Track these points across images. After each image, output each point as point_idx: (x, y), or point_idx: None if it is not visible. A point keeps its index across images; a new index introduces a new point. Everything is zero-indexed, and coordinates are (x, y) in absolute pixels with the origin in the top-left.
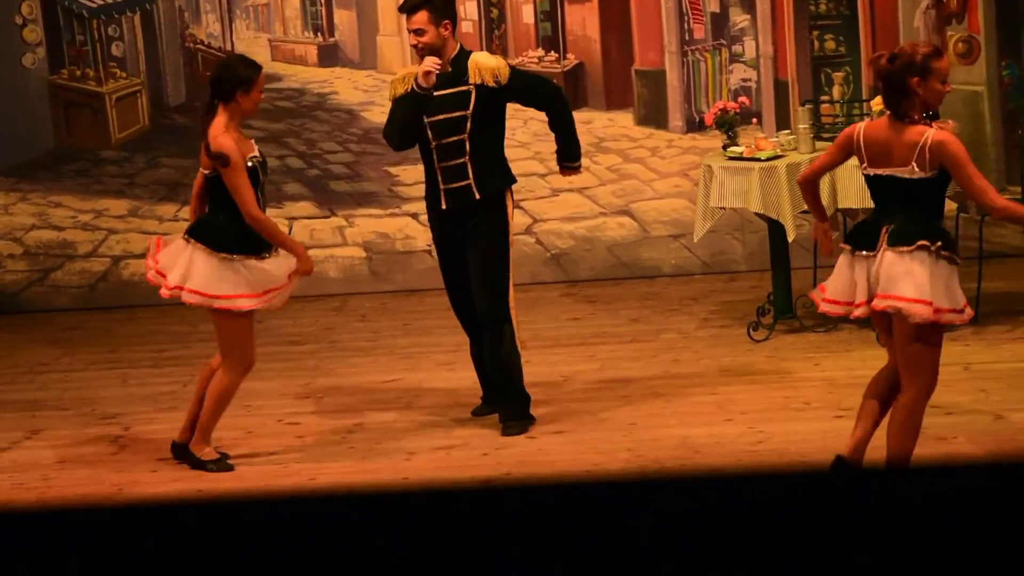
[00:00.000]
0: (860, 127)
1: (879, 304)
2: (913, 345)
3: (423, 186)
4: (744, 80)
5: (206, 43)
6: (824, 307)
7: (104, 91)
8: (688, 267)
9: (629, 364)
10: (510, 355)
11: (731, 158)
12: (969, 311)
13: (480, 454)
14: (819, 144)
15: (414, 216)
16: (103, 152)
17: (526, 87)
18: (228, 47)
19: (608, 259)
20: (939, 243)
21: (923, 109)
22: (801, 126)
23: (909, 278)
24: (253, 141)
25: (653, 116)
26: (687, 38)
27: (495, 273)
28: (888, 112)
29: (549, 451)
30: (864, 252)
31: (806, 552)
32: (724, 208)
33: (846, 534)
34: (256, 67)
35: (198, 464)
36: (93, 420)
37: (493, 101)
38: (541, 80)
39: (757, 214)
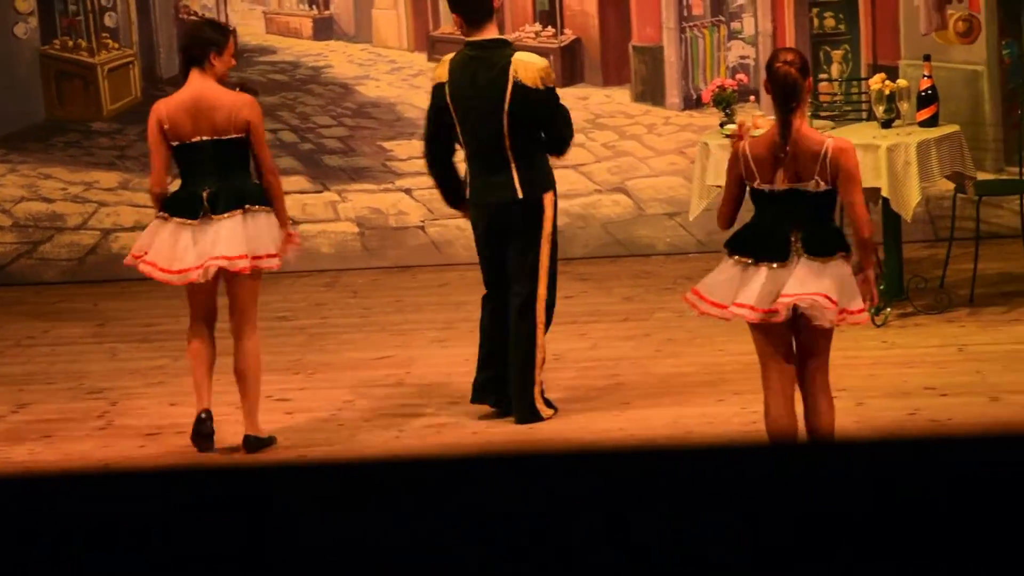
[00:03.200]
0: (742, 147)
1: (786, 302)
2: (826, 336)
3: (416, 161)
4: (742, 57)
5: (200, 14)
6: (706, 308)
7: (96, 62)
8: (683, 246)
9: (622, 343)
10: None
11: (728, 135)
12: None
13: (471, 432)
14: (817, 123)
15: (407, 192)
16: (94, 124)
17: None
18: (223, 19)
19: (602, 237)
20: (845, 251)
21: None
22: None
23: (826, 282)
24: None
25: (650, 93)
26: (685, 14)
27: None
28: (778, 123)
29: (540, 429)
30: (774, 264)
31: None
32: (720, 186)
33: (825, 506)
34: (225, 30)
35: (265, 444)
36: (81, 394)
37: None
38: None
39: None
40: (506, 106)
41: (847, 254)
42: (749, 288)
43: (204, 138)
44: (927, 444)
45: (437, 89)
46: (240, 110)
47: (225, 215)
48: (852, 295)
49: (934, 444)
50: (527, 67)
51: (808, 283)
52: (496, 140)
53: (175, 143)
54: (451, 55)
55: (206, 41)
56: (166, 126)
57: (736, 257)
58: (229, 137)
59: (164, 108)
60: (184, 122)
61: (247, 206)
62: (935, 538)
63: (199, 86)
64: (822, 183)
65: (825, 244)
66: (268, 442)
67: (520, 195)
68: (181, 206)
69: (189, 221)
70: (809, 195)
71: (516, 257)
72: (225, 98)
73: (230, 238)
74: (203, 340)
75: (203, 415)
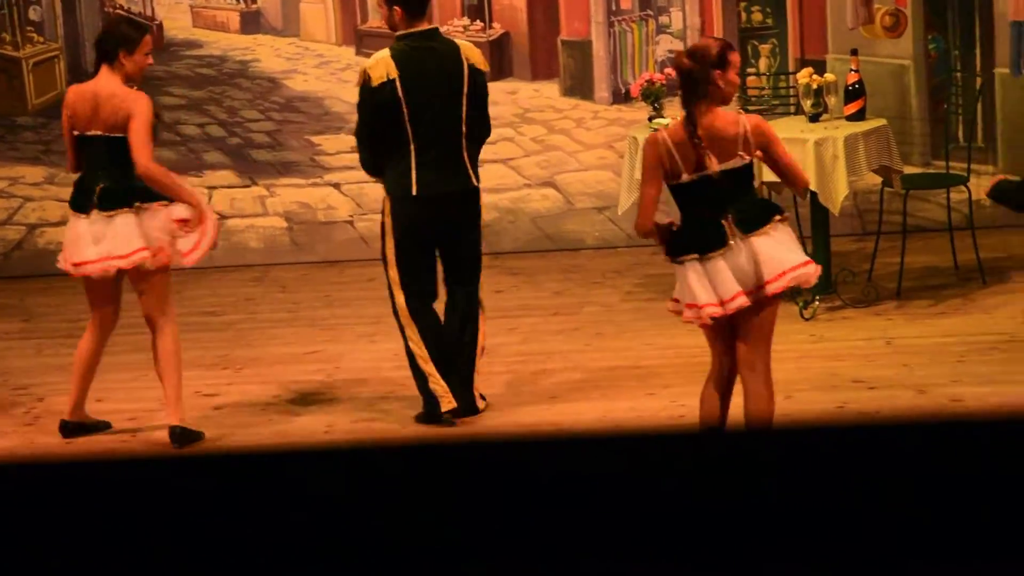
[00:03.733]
0: (662, 141)
1: (777, 287)
2: (772, 318)
3: (345, 156)
4: (671, 51)
5: (126, 8)
6: (691, 315)
7: (21, 56)
8: (612, 240)
9: (552, 337)
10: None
11: (657, 130)
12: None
13: (399, 427)
14: None
15: (336, 186)
16: (19, 118)
17: None
18: (148, 12)
19: (532, 231)
20: (780, 212)
21: (720, 102)
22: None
23: (784, 248)
24: None
25: (579, 87)
26: (614, 8)
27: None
28: (685, 114)
29: (470, 423)
30: (715, 252)
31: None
32: None
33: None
34: (142, 28)
35: (193, 437)
36: (5, 391)
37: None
38: None
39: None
40: (464, 90)
41: (782, 215)
42: (723, 279)
43: (98, 132)
44: (852, 432)
45: (385, 87)
46: (126, 106)
47: (116, 212)
48: (799, 250)
49: (859, 431)
50: (473, 50)
51: (779, 258)
52: (455, 128)
53: (75, 132)
54: (383, 53)
55: (119, 38)
56: (69, 113)
57: (684, 258)
58: (118, 135)
59: (71, 95)
60: (83, 113)
61: (137, 204)
62: (864, 522)
63: (104, 82)
64: (746, 156)
65: (760, 215)
66: (196, 436)
67: (474, 183)
68: (76, 200)
69: (83, 216)
70: (737, 173)
71: (466, 247)
72: (118, 94)
73: (127, 235)
74: (88, 341)
75: (65, 422)
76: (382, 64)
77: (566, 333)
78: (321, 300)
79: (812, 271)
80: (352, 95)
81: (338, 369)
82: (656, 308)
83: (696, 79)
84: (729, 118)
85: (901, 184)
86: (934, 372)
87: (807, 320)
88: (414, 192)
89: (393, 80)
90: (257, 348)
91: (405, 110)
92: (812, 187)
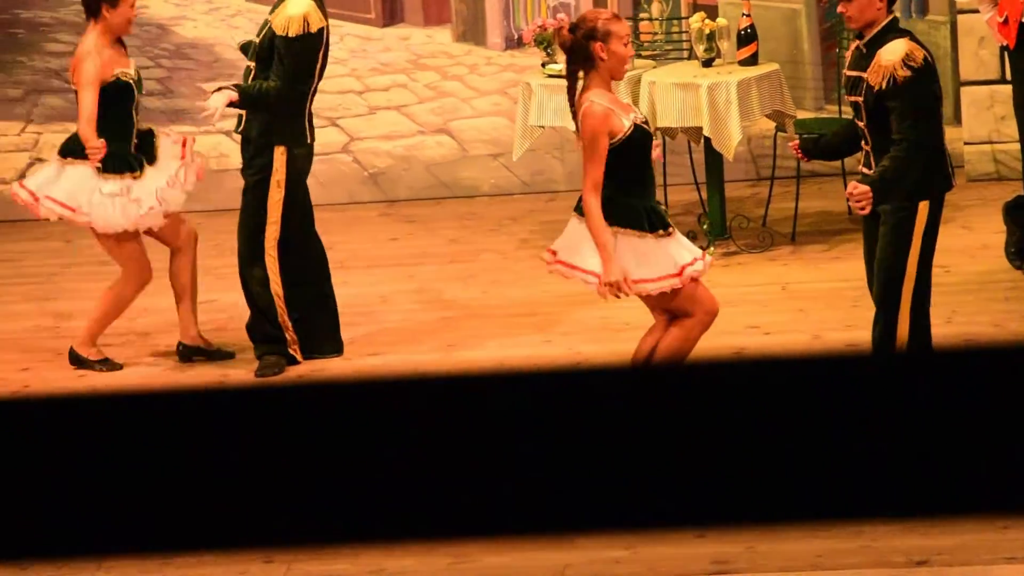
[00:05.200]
0: (601, 109)
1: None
2: (664, 300)
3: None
4: None
5: None
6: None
7: None
8: (507, 187)
9: (448, 285)
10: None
11: (550, 76)
12: (694, 268)
13: (296, 375)
14: (638, 62)
15: (227, 134)
16: None
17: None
18: None
19: (426, 178)
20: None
21: (609, 76)
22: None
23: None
24: (130, 59)
25: (471, 33)
26: None
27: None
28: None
29: (365, 373)
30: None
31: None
32: (543, 127)
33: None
34: None
35: (84, 363)
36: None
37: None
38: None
39: (576, 132)
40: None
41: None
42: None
43: (74, 87)
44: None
45: (321, 33)
46: (75, 65)
47: (75, 162)
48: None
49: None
50: None
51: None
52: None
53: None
54: (307, 1)
55: None
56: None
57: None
58: (75, 89)
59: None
60: (71, 69)
61: (68, 159)
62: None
63: (83, 38)
64: (581, 143)
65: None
66: (85, 361)
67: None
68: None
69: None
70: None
71: (307, 191)
72: (79, 53)
73: (65, 187)
74: (172, 264)
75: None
76: (315, 12)
77: (462, 280)
78: (214, 249)
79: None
80: (239, 39)
81: (232, 320)
82: None
83: (574, 51)
84: (582, 99)
85: (794, 129)
86: (829, 316)
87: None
88: (309, 140)
89: (324, 28)
90: (149, 296)
91: (320, 60)
92: (706, 132)
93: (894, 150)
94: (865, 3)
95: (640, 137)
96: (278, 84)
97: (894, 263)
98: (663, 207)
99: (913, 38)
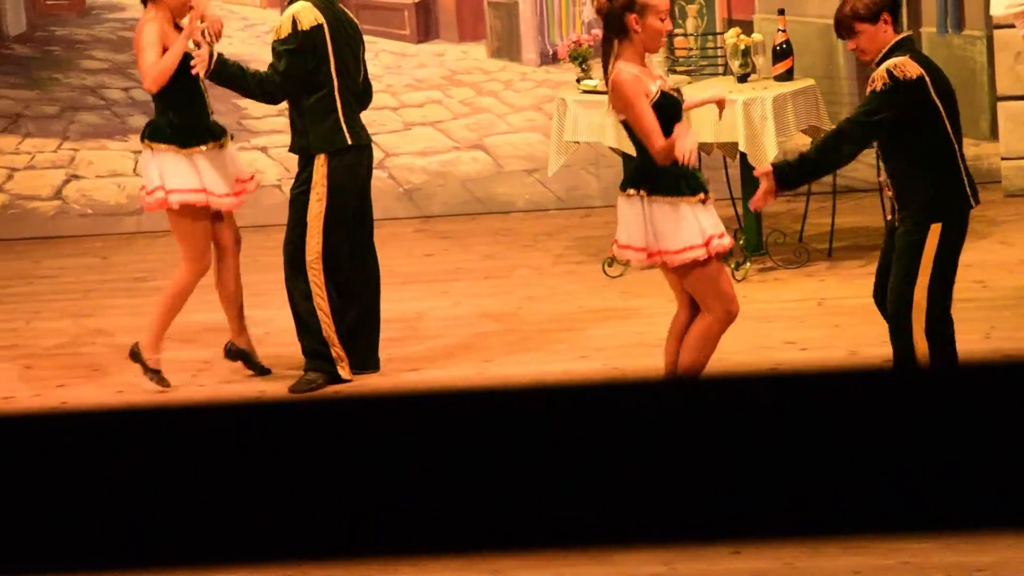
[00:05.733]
0: (629, 75)
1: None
2: (688, 280)
3: (271, 120)
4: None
5: None
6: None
7: None
8: (542, 202)
9: (483, 300)
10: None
11: (585, 91)
12: (721, 242)
13: (333, 391)
14: (673, 78)
15: (263, 150)
16: None
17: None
18: None
19: (462, 194)
20: (643, 189)
21: (643, 49)
22: (655, 60)
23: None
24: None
25: (506, 49)
26: None
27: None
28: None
29: (403, 388)
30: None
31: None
32: (578, 142)
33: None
34: None
35: (140, 361)
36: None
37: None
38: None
39: (612, 148)
40: (362, 51)
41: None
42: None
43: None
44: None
45: (316, 31)
46: (134, 42)
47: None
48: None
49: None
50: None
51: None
52: (357, 84)
53: None
54: (300, 3)
55: None
56: None
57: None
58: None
59: None
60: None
61: (146, 141)
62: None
63: (140, 22)
64: (619, 114)
65: (664, 184)
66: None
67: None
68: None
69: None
70: (627, 127)
71: (368, 202)
72: (138, 26)
73: (146, 174)
74: (217, 272)
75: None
76: (308, 10)
77: (498, 296)
78: (249, 265)
79: (629, 255)
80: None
81: (268, 335)
82: (587, 270)
83: (609, 19)
84: (616, 69)
85: None
86: (865, 331)
87: (738, 281)
88: (351, 143)
89: (320, 25)
90: (186, 313)
91: (331, 57)
92: (741, 148)
93: (824, 135)
94: (871, 33)
95: (667, 103)
96: (270, 74)
97: (903, 291)
98: (701, 174)
99: (917, 56)
